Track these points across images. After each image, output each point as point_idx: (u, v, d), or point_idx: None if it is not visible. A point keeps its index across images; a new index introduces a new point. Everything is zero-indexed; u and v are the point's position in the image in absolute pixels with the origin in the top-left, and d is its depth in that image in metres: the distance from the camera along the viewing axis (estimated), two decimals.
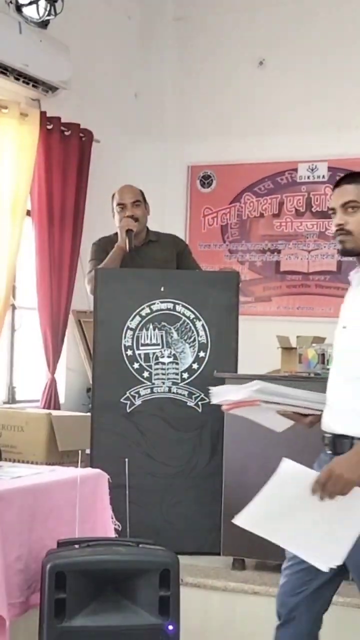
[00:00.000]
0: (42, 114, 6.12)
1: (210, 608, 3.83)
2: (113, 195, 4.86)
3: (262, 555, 4.04)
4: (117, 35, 7.19)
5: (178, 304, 4.37)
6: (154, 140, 7.42)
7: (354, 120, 6.86)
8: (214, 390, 2.83)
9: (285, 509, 2.64)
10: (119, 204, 4.77)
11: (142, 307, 4.37)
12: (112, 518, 3.57)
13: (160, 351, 4.37)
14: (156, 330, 4.37)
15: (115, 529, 3.59)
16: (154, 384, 4.36)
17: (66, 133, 6.36)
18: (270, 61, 7.19)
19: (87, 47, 6.72)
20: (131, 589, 2.93)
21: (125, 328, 4.35)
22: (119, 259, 4.63)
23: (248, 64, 7.25)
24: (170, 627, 2.91)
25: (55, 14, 5.86)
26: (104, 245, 4.82)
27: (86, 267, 6.22)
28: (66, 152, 6.36)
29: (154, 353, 4.36)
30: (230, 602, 3.81)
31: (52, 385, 6.31)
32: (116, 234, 4.78)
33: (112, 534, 3.55)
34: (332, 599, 3.61)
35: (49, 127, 6.20)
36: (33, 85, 6.07)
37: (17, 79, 5.92)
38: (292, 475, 2.67)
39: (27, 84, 6.02)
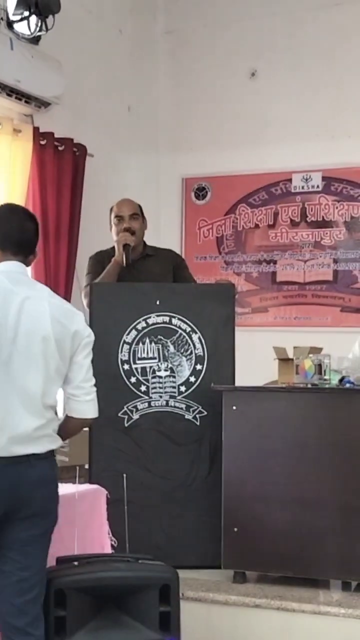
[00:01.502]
0: (35, 129, 6.12)
1: (212, 622, 3.81)
2: (111, 209, 4.86)
3: (264, 567, 4.03)
4: (109, 49, 7.21)
5: (174, 317, 4.36)
6: (147, 154, 7.42)
7: (347, 130, 6.87)
8: None
9: None
10: (116, 216, 4.79)
11: (138, 321, 4.36)
12: (109, 534, 3.55)
13: (157, 365, 4.36)
14: (152, 343, 4.36)
15: (112, 545, 3.57)
16: (151, 397, 4.35)
17: (60, 148, 6.37)
18: (263, 72, 7.20)
19: (79, 61, 6.73)
20: (131, 605, 2.92)
21: (121, 342, 4.35)
22: (116, 273, 4.63)
23: (240, 76, 7.25)
24: None
25: (47, 30, 5.87)
26: (100, 259, 4.81)
27: (82, 281, 6.22)
28: (60, 167, 6.37)
29: (150, 367, 4.35)
30: (231, 616, 3.79)
31: None
32: (113, 247, 4.78)
33: (109, 550, 3.54)
34: (335, 611, 3.61)
35: (42, 142, 6.20)
36: (25, 101, 6.07)
37: (10, 95, 5.92)
38: None
39: (20, 99, 6.02)
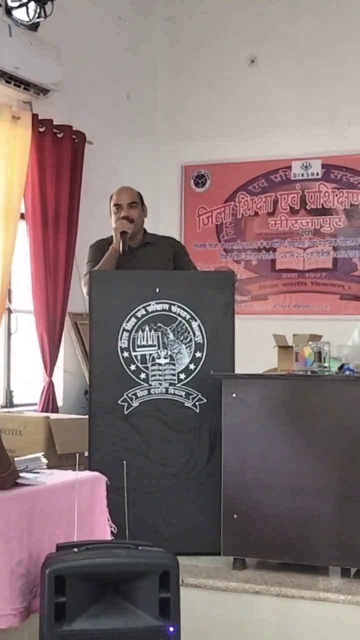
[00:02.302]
0: (34, 116, 6.11)
1: (212, 608, 3.82)
2: (111, 197, 4.85)
3: (263, 554, 4.04)
4: (108, 36, 7.19)
5: (174, 304, 4.36)
6: (147, 141, 7.41)
7: (347, 117, 6.86)
8: None
9: None
10: (115, 205, 4.78)
11: (138, 308, 4.35)
12: (109, 520, 3.56)
13: (157, 352, 4.35)
14: (152, 331, 4.36)
15: (112, 532, 3.58)
16: (151, 385, 4.35)
17: (59, 135, 6.36)
18: (262, 59, 7.18)
19: (78, 48, 6.71)
20: (131, 591, 2.92)
21: (121, 330, 4.34)
22: (114, 260, 4.63)
23: (240, 63, 7.24)
24: (171, 629, 2.90)
25: (45, 16, 5.86)
26: (100, 247, 4.80)
27: (82, 269, 6.22)
28: (59, 154, 6.36)
29: (150, 354, 4.35)
30: (231, 602, 3.80)
31: (50, 389, 6.31)
32: (112, 236, 4.78)
33: (109, 537, 3.54)
34: (334, 597, 3.62)
35: (42, 129, 6.19)
36: (24, 88, 6.06)
37: (8, 82, 5.91)
38: None
39: (19, 86, 6.01)
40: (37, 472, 3.43)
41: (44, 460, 3.56)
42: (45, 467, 3.56)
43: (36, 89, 6.16)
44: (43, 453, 3.73)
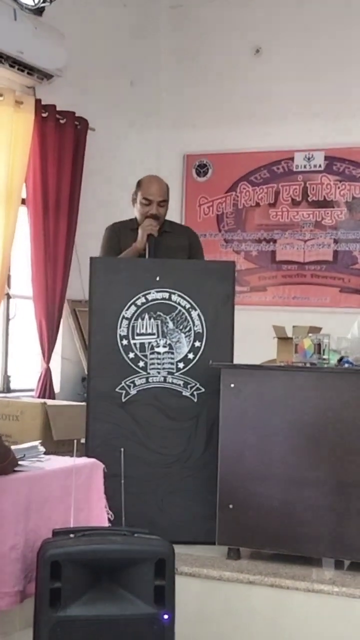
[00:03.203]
0: (37, 101, 6.09)
1: (206, 597, 3.83)
2: (139, 183, 4.75)
3: (258, 544, 4.04)
4: (113, 22, 7.15)
5: (174, 293, 4.35)
6: (149, 129, 7.39)
7: (351, 109, 6.85)
8: None
9: None
10: (145, 198, 4.68)
11: (138, 296, 4.35)
12: (106, 507, 3.56)
13: (156, 341, 4.35)
14: (152, 319, 4.35)
15: (109, 519, 3.58)
16: (149, 373, 4.35)
17: (61, 121, 6.33)
18: (267, 49, 7.16)
19: (83, 34, 6.68)
20: (126, 578, 2.93)
21: (120, 317, 4.34)
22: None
23: (244, 52, 7.22)
24: (166, 616, 2.91)
25: (51, 1, 5.83)
26: (117, 231, 4.77)
27: (81, 256, 6.22)
28: (61, 140, 6.34)
29: (149, 343, 4.35)
30: (225, 592, 3.81)
31: (47, 375, 6.30)
32: (132, 220, 4.73)
33: (106, 523, 3.55)
34: (328, 589, 3.63)
35: (44, 115, 6.17)
36: (28, 73, 6.04)
37: (12, 66, 5.89)
38: None
39: (22, 71, 5.99)
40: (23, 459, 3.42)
41: (42, 449, 3.56)
42: (42, 455, 3.56)
43: (40, 73, 6.15)
44: (40, 441, 3.74)
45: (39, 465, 3.38)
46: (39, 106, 6.11)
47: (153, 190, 4.70)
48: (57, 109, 6.28)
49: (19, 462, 3.29)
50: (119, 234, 4.72)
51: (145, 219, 4.64)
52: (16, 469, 3.25)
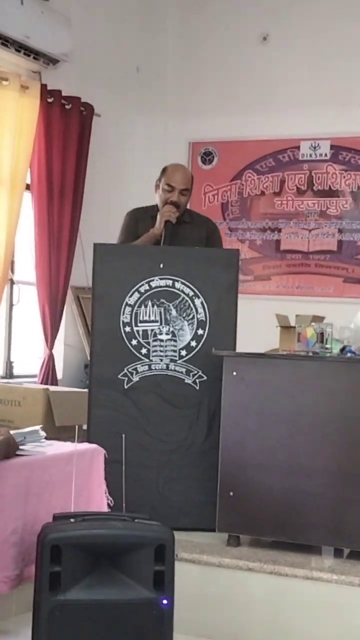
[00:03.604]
0: (43, 86, 6.08)
1: (205, 583, 3.84)
2: (164, 170, 4.72)
3: (257, 532, 4.05)
4: (120, 8, 7.14)
5: (177, 281, 4.35)
6: (155, 116, 7.38)
7: (357, 98, 6.82)
8: None
9: None
10: (167, 184, 4.65)
11: (141, 283, 4.34)
12: (106, 493, 3.57)
13: (159, 328, 4.35)
14: (155, 307, 4.35)
15: (109, 504, 3.59)
16: (152, 360, 4.35)
17: (67, 106, 6.33)
18: (275, 37, 7.14)
19: (89, 19, 6.67)
20: (126, 563, 2.93)
21: (123, 304, 4.33)
22: (150, 244, 4.58)
23: (252, 40, 7.20)
24: (165, 602, 2.92)
25: None
26: (136, 217, 4.76)
27: (85, 242, 6.21)
28: (66, 125, 6.33)
29: (152, 330, 4.35)
30: (224, 578, 3.82)
31: (50, 361, 6.32)
32: (153, 206, 4.72)
33: (106, 509, 3.56)
34: (327, 577, 3.64)
35: (50, 100, 6.17)
36: (34, 58, 6.04)
37: (18, 51, 5.88)
38: None
39: (28, 56, 5.98)
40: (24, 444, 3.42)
41: (42, 434, 3.56)
42: (43, 439, 3.56)
43: (46, 58, 6.14)
44: (41, 426, 3.74)
45: (40, 450, 3.39)
46: (45, 91, 6.10)
47: (177, 177, 4.68)
48: (63, 94, 6.27)
49: (20, 447, 3.30)
50: (138, 220, 4.71)
51: (165, 205, 4.63)
52: (17, 452, 3.26)
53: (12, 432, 3.32)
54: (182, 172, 4.76)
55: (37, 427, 3.61)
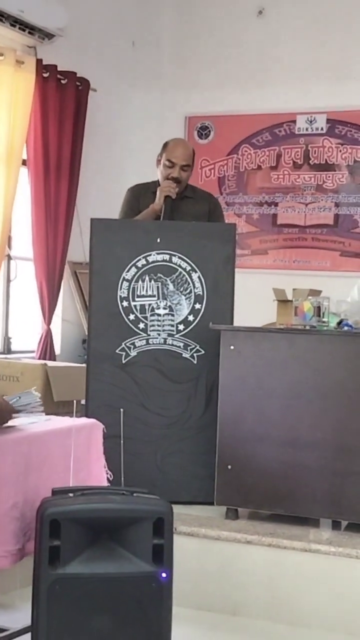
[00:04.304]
0: (39, 61, 6.05)
1: (204, 556, 3.87)
2: (165, 145, 4.70)
3: (256, 505, 4.08)
4: None
5: (174, 255, 4.35)
6: (151, 90, 7.34)
7: (353, 72, 6.80)
8: None
9: None
10: (168, 160, 4.63)
11: (138, 258, 4.34)
12: (105, 467, 3.58)
13: (156, 303, 4.35)
14: (152, 281, 4.35)
15: (108, 479, 3.61)
16: (149, 335, 4.36)
17: (62, 81, 6.29)
18: (270, 10, 7.09)
19: None
20: (125, 537, 2.95)
21: (121, 279, 4.34)
22: (150, 219, 4.57)
23: (247, 13, 7.15)
24: (164, 575, 2.93)
25: None
26: (137, 193, 4.75)
27: (82, 217, 6.20)
28: (62, 100, 6.30)
29: (149, 304, 4.35)
30: (223, 551, 3.84)
31: (48, 336, 6.32)
32: (154, 182, 4.71)
33: (105, 483, 3.57)
34: (325, 549, 3.67)
35: (45, 75, 6.13)
36: (29, 32, 6.00)
37: (13, 26, 5.85)
38: None
39: (23, 30, 5.95)
40: (32, 412, 3.40)
41: (37, 394, 3.52)
42: (38, 400, 3.51)
43: (41, 33, 6.10)
44: (34, 388, 3.69)
45: (39, 424, 3.39)
46: (40, 66, 6.07)
47: (178, 153, 4.66)
48: (59, 69, 6.24)
49: (17, 408, 3.28)
50: (139, 196, 4.70)
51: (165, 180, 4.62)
52: (17, 421, 3.25)
53: (5, 397, 3.31)
54: (183, 148, 4.73)
55: (31, 390, 3.57)
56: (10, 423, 3.27)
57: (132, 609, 2.92)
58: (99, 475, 3.57)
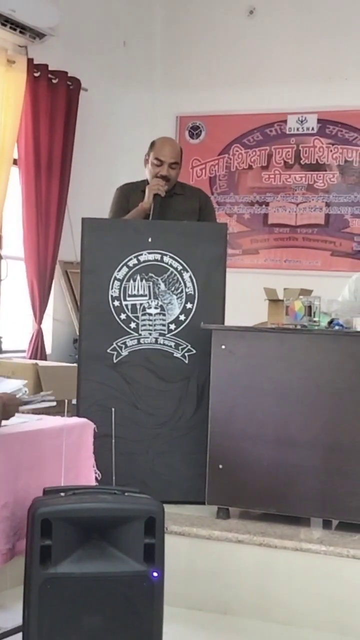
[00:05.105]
0: (30, 60, 6.05)
1: (195, 556, 3.87)
2: (152, 144, 4.68)
3: (247, 504, 4.08)
4: None
5: (166, 255, 4.35)
6: (142, 90, 7.34)
7: (344, 72, 6.81)
8: None
9: None
10: (157, 158, 4.61)
11: (130, 257, 4.34)
12: (94, 467, 3.58)
13: (148, 302, 4.35)
14: (143, 281, 4.35)
15: (96, 478, 3.61)
16: (140, 334, 4.36)
17: (54, 81, 6.29)
18: (261, 10, 7.10)
19: None
20: (117, 536, 2.95)
21: (112, 279, 4.33)
22: (140, 218, 4.56)
23: (238, 13, 7.16)
24: (155, 574, 2.93)
25: None
26: (126, 192, 4.73)
27: (73, 217, 6.20)
28: (53, 100, 6.30)
29: (141, 304, 4.35)
30: (214, 551, 3.84)
31: (39, 336, 6.32)
32: (143, 181, 4.70)
33: (94, 483, 3.57)
34: (316, 548, 3.67)
35: (36, 74, 6.13)
36: (20, 32, 5.99)
37: (4, 25, 5.84)
38: None
39: (14, 30, 5.94)
40: (31, 402, 3.38)
41: (25, 388, 3.50)
42: (23, 387, 3.48)
43: (32, 32, 6.09)
44: (25, 382, 3.67)
45: (30, 424, 3.39)
46: (31, 66, 6.06)
47: (165, 151, 4.65)
48: (50, 68, 6.23)
49: (24, 401, 3.28)
50: (128, 195, 4.69)
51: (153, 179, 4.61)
52: (13, 420, 3.25)
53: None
54: (171, 146, 4.73)
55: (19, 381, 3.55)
56: (16, 416, 3.27)
57: (123, 608, 2.92)
58: (87, 474, 3.57)
